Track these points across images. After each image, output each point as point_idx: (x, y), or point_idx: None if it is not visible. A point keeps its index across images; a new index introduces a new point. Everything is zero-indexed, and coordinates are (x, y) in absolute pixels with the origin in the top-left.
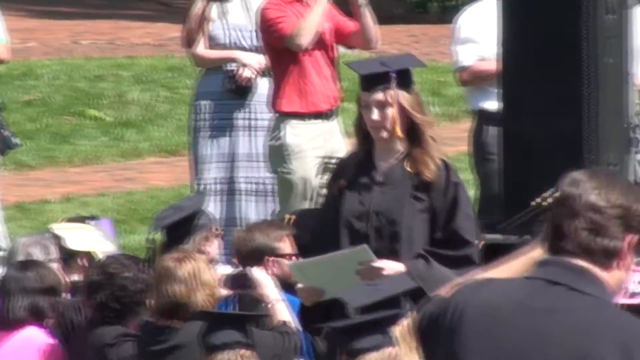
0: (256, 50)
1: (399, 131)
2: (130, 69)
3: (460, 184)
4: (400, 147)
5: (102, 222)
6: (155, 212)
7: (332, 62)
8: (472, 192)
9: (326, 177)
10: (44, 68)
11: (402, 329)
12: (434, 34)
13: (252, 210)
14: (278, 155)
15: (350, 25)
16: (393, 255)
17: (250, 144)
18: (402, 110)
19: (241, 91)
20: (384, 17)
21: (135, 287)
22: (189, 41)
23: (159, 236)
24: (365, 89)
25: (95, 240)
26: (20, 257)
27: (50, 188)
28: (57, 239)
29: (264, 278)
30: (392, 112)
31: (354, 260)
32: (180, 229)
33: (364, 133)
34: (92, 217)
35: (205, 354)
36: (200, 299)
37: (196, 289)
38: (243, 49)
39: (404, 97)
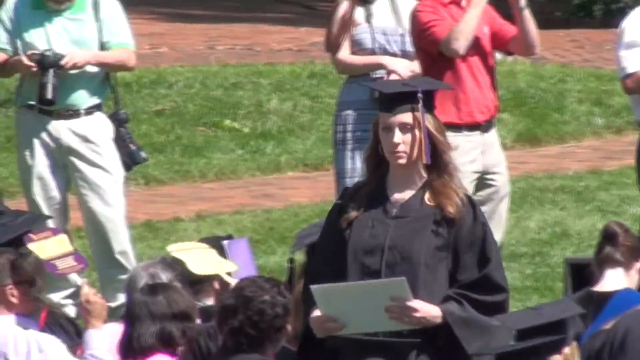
0: (405, 55)
1: (424, 157)
2: (269, 77)
3: (488, 226)
4: (419, 176)
5: (239, 242)
6: (295, 231)
7: (490, 69)
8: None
9: (330, 209)
10: (175, 75)
11: (563, 357)
12: (597, 39)
13: None
14: None
15: (509, 29)
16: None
17: None
18: (428, 135)
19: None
20: (545, 21)
21: (274, 312)
22: (333, 46)
23: (300, 256)
24: (387, 109)
25: (216, 261)
26: (144, 281)
27: (182, 205)
28: (178, 263)
29: None
30: (418, 135)
31: (386, 293)
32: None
33: (377, 160)
34: (228, 237)
35: None
36: None
37: None
38: (390, 54)
39: (429, 120)
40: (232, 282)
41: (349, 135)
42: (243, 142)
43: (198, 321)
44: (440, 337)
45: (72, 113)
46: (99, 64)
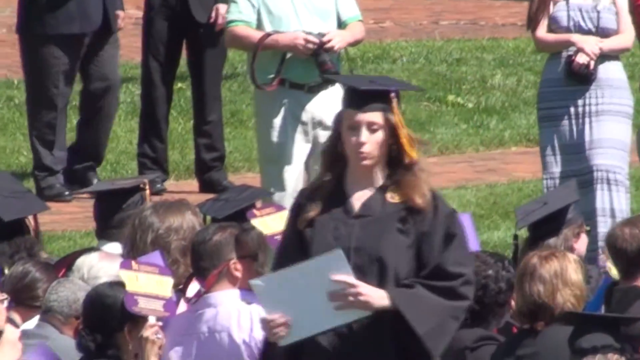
0: (599, 32)
1: (381, 158)
2: (493, 52)
3: (454, 212)
4: (380, 175)
5: (462, 217)
6: (518, 206)
7: None
8: None
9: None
10: (400, 50)
11: None
12: None
13: (606, 200)
14: None
15: None
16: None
17: (593, 130)
18: (395, 134)
19: (580, 77)
20: None
21: (497, 287)
22: (531, 23)
23: (524, 233)
24: (357, 106)
25: None
26: None
27: None
28: None
29: None
30: (381, 135)
31: (326, 271)
32: (550, 224)
33: (335, 156)
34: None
35: (573, 358)
36: (565, 299)
37: (561, 289)
38: (584, 31)
39: (399, 118)
40: None
41: (549, 112)
42: (467, 117)
43: None
44: (394, 326)
45: (321, 86)
46: (349, 44)
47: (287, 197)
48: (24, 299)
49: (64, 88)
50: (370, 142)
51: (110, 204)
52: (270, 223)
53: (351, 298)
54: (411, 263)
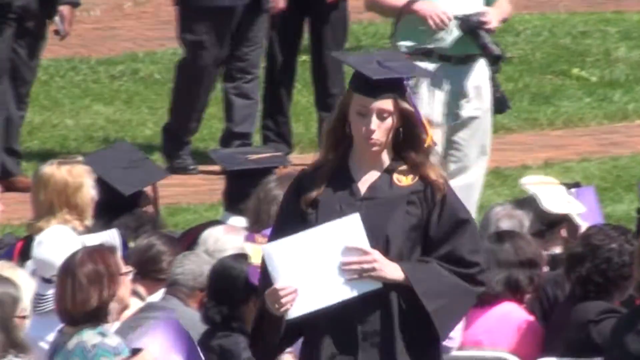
0: None
1: (388, 143)
2: (617, 25)
3: (462, 204)
4: (386, 157)
5: (586, 190)
6: None
7: None
8: None
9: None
10: (523, 23)
11: None
12: None
13: None
14: None
15: None
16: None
17: None
18: (405, 119)
19: None
20: None
21: (621, 260)
22: None
23: None
24: (368, 93)
25: (566, 200)
26: (493, 228)
27: (531, 153)
28: (533, 199)
29: None
30: (390, 122)
31: (340, 237)
32: None
33: (340, 137)
34: (575, 185)
35: None
36: None
37: None
38: None
39: (408, 104)
40: (583, 225)
41: None
42: (591, 90)
43: (545, 269)
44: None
45: (467, 58)
46: (499, 22)
47: None
48: (149, 271)
49: (214, 61)
50: (380, 129)
51: (239, 183)
52: None
53: (366, 266)
54: (417, 246)
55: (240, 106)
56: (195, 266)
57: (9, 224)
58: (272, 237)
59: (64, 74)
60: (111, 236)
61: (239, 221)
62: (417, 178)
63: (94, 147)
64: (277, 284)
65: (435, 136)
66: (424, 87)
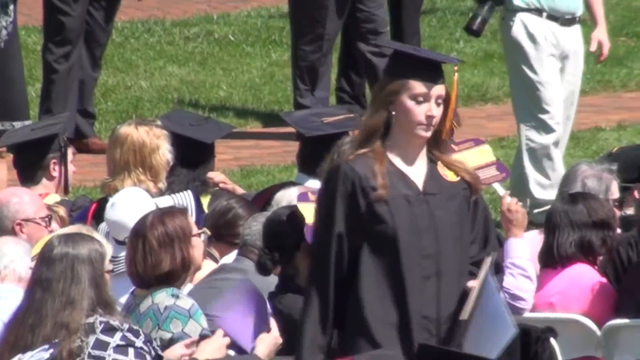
0: None
1: (448, 132)
2: None
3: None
4: (425, 150)
5: None
6: None
7: None
8: None
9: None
10: None
11: None
12: None
13: None
14: None
15: None
16: (449, 282)
17: None
18: (448, 107)
19: None
20: None
21: None
22: None
23: None
24: (428, 78)
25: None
26: (577, 187)
27: (604, 115)
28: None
29: None
30: (442, 109)
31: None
32: None
33: (377, 129)
34: None
35: None
36: None
37: None
38: None
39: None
40: None
41: None
42: None
43: (618, 231)
44: None
45: (574, 20)
46: None
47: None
48: (225, 235)
49: (330, 29)
50: (437, 116)
51: (316, 147)
52: (470, 157)
53: None
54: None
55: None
56: (262, 226)
57: (82, 186)
58: (327, 230)
59: (138, 36)
60: (184, 198)
61: (314, 183)
62: (457, 176)
63: (168, 109)
64: None
65: None
66: (531, 46)
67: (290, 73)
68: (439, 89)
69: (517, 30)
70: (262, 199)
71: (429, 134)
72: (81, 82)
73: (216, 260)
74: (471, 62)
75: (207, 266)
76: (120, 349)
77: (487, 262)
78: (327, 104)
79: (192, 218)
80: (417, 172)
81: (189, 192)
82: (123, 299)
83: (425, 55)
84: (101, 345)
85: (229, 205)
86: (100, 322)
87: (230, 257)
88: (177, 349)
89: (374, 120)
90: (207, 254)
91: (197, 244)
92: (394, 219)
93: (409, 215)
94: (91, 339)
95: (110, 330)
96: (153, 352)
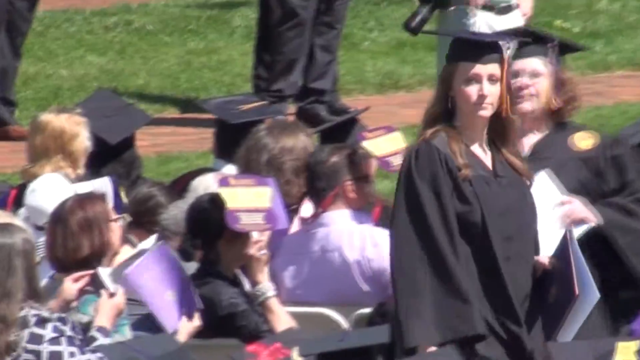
0: None
1: (509, 109)
2: None
3: None
4: (485, 133)
5: None
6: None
7: None
8: None
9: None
10: None
11: None
12: None
13: None
14: None
15: None
16: (525, 265)
17: None
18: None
19: None
20: None
21: None
22: None
23: None
24: (476, 59)
25: None
26: None
27: None
28: None
29: None
30: (498, 88)
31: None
32: None
33: (440, 112)
34: None
35: None
36: None
37: None
38: None
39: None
40: None
41: None
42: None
43: None
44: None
45: (509, 8)
46: None
47: None
48: (145, 222)
49: (308, 15)
50: (492, 94)
51: (234, 134)
52: (382, 144)
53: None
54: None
55: (322, 62)
56: (179, 211)
57: (1, 173)
58: (434, 216)
59: (59, 25)
60: (103, 184)
61: (231, 169)
62: (518, 160)
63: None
64: None
65: None
66: None
67: (206, 60)
68: (489, 68)
69: (451, 23)
70: (179, 185)
71: (488, 113)
72: (2, 70)
73: (133, 245)
74: (384, 50)
75: (126, 251)
76: (54, 341)
77: (567, 235)
78: (297, 88)
79: (110, 203)
80: (482, 154)
81: (107, 178)
82: (42, 284)
83: (468, 37)
84: (36, 338)
85: (150, 193)
86: (33, 315)
87: (148, 243)
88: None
89: (435, 107)
90: (126, 240)
91: (115, 229)
92: (478, 199)
93: (490, 196)
94: (25, 333)
95: (42, 322)
96: (79, 336)
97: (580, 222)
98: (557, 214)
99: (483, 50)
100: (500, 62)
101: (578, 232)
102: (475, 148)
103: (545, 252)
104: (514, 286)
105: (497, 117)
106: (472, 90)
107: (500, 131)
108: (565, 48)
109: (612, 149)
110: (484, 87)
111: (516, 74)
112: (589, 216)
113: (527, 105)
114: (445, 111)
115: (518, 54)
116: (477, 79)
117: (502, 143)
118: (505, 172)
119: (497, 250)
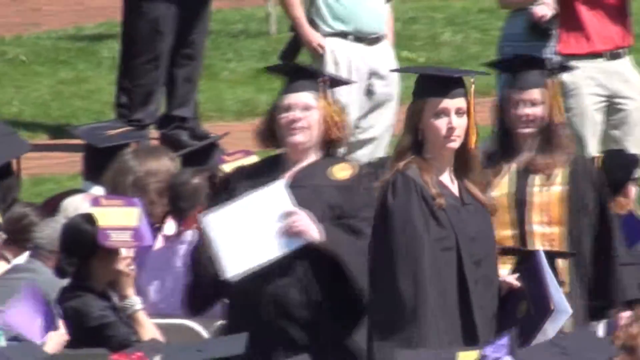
0: None
1: (473, 142)
2: (443, 11)
3: None
4: (452, 163)
5: None
6: None
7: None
8: None
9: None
10: None
11: None
12: None
13: None
14: None
15: None
16: (491, 287)
17: None
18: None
19: (539, 31)
20: None
21: None
22: None
23: None
24: (444, 94)
25: None
26: None
27: None
28: None
29: None
30: (467, 121)
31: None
32: None
33: (410, 147)
34: None
35: None
36: None
37: None
38: None
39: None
40: None
41: None
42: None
43: None
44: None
45: (378, 38)
46: None
47: None
48: (19, 240)
49: (164, 48)
50: (460, 127)
51: (102, 157)
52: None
53: (293, 224)
54: None
55: (183, 91)
56: (53, 231)
57: None
58: (418, 239)
59: None
60: None
61: (99, 190)
62: (479, 188)
63: None
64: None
65: None
66: (344, 68)
67: (76, 89)
68: (456, 102)
69: (324, 56)
70: (51, 205)
71: (457, 144)
72: None
73: (8, 261)
74: (242, 80)
75: (0, 267)
76: None
77: (537, 257)
78: (156, 117)
79: None
80: (451, 183)
81: None
82: None
83: (436, 73)
84: None
85: (24, 213)
86: None
87: (22, 259)
88: None
89: (404, 142)
90: (1, 256)
91: None
92: (452, 226)
93: (461, 222)
94: None
95: None
96: None
97: (299, 234)
98: (281, 222)
99: (448, 85)
100: (466, 96)
101: (295, 244)
102: (444, 177)
103: (267, 256)
104: (480, 308)
105: (462, 148)
106: (442, 124)
107: (464, 162)
108: (335, 82)
109: (367, 182)
110: (453, 120)
111: (288, 108)
112: (310, 231)
113: (299, 138)
114: (415, 143)
115: (289, 89)
116: (445, 113)
117: (465, 173)
118: (470, 200)
119: (468, 274)
